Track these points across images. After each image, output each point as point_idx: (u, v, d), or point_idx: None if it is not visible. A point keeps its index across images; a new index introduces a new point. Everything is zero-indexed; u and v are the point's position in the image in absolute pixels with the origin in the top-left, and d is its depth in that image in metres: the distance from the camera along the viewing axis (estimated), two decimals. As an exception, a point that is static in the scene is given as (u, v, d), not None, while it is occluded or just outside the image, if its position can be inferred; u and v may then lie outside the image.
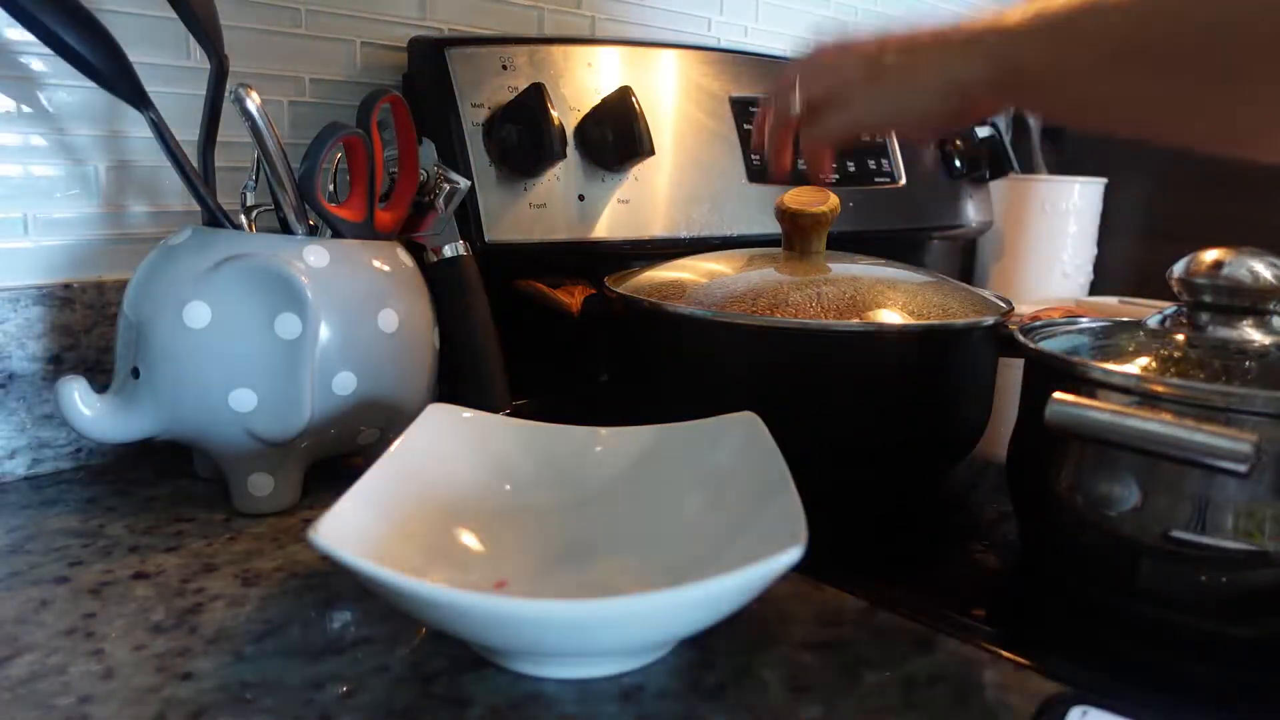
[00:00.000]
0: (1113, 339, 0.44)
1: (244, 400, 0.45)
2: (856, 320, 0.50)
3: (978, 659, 0.37)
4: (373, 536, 0.35)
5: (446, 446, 0.44)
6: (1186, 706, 0.35)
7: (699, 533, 0.41)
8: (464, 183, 0.59)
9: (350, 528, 0.34)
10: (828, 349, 0.51)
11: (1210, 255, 0.41)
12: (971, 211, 1.07)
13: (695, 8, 0.89)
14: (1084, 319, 0.50)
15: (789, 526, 0.34)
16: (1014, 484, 0.48)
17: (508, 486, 0.45)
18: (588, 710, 0.33)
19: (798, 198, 0.59)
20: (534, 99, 0.64)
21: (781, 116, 0.51)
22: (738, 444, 0.43)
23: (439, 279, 0.56)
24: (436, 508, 0.41)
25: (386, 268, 0.51)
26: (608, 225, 0.70)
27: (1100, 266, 1.18)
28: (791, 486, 0.37)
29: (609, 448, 0.46)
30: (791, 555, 0.31)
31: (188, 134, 0.50)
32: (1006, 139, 1.09)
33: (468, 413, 0.46)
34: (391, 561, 0.35)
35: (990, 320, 0.53)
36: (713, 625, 0.37)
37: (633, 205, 0.72)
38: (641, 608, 0.30)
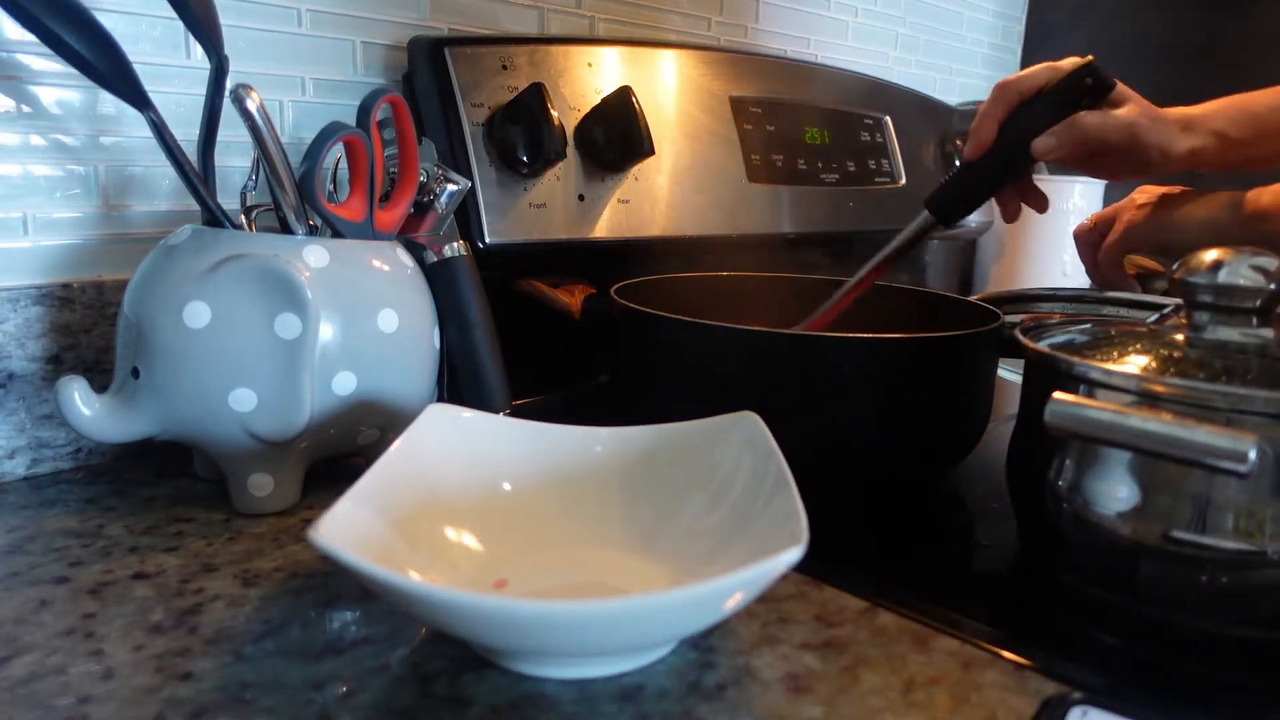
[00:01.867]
0: (1113, 339, 0.44)
1: (244, 400, 0.45)
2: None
3: (978, 659, 0.37)
4: (373, 536, 0.35)
5: (446, 446, 0.44)
6: (1186, 706, 0.35)
7: (699, 533, 0.41)
8: (464, 183, 0.59)
9: (350, 528, 0.34)
10: (827, 352, 0.51)
11: (1210, 255, 0.41)
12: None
13: (695, 8, 0.89)
14: (1084, 319, 0.50)
15: (789, 526, 0.34)
16: (1014, 484, 0.48)
17: (508, 486, 0.45)
18: (588, 710, 0.33)
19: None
20: (534, 99, 0.64)
21: (1081, 234, 0.70)
22: (738, 444, 0.43)
23: (439, 279, 0.56)
24: (437, 508, 0.41)
25: (386, 268, 0.51)
26: (608, 225, 0.70)
27: (1100, 267, 1.18)
28: (792, 486, 0.37)
29: (609, 448, 0.46)
30: (791, 555, 0.31)
31: (187, 134, 0.50)
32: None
33: (468, 413, 0.46)
34: (392, 561, 0.35)
35: (986, 329, 0.54)
36: (713, 625, 0.37)
37: (633, 205, 0.72)
38: (641, 608, 0.30)
